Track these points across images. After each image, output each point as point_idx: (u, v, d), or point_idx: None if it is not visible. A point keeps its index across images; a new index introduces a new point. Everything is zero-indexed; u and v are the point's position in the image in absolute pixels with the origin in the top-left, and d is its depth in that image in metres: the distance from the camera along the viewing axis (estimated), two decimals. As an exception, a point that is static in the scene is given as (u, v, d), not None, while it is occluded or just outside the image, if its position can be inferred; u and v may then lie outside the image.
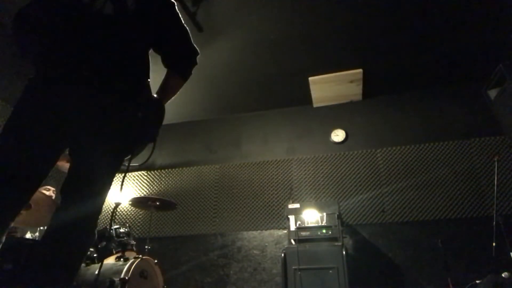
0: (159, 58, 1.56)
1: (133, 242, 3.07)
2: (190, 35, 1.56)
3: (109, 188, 1.28)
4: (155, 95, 1.47)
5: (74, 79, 1.23)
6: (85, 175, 1.21)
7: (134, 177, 4.82)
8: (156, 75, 1.55)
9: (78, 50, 1.25)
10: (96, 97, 1.24)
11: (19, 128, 1.17)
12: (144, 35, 1.42)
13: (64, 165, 1.35)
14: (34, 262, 1.12)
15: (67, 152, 1.28)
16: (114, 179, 1.31)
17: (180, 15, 1.53)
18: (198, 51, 1.59)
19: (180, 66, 1.56)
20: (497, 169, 3.03)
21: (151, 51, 1.50)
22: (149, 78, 1.44)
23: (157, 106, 1.45)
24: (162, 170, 4.76)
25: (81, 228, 1.18)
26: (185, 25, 1.54)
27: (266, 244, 3.98)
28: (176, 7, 1.53)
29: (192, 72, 1.60)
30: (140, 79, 1.40)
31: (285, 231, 3.60)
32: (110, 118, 1.26)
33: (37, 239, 2.82)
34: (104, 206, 1.28)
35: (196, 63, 1.59)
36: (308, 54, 3.82)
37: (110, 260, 2.80)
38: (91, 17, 1.28)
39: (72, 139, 1.24)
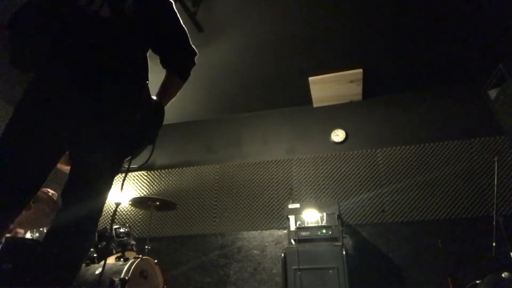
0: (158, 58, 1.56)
1: (133, 242, 3.07)
2: (188, 36, 1.55)
3: (109, 189, 1.28)
4: (154, 97, 1.47)
5: (73, 82, 1.23)
6: (85, 177, 1.22)
7: (134, 177, 4.82)
8: (155, 75, 1.55)
9: (76, 53, 1.25)
10: (95, 99, 1.24)
11: (19, 131, 1.17)
12: (142, 37, 1.42)
13: (64, 167, 1.36)
14: (35, 263, 1.12)
15: (68, 154, 1.28)
16: (114, 181, 1.31)
17: (178, 16, 1.52)
18: (197, 51, 1.58)
19: (179, 67, 1.55)
20: (497, 169, 3.03)
21: (150, 52, 1.49)
22: (147, 80, 1.43)
23: (157, 108, 1.45)
24: (162, 170, 4.76)
25: (82, 229, 1.18)
26: (183, 25, 1.53)
27: (266, 244, 3.98)
28: (174, 7, 1.52)
29: (191, 73, 1.59)
30: (139, 81, 1.39)
31: (285, 231, 3.60)
32: (109, 121, 1.26)
33: (37, 239, 2.82)
34: (104, 206, 1.29)
35: (194, 64, 1.59)
36: (308, 54, 3.82)
37: (110, 260, 2.80)
38: (88, 20, 1.28)
39: (71, 141, 1.25)
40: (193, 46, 1.57)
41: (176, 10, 1.52)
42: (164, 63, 1.54)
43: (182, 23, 1.53)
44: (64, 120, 1.21)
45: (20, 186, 1.13)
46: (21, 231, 2.77)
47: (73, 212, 1.15)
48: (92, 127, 1.24)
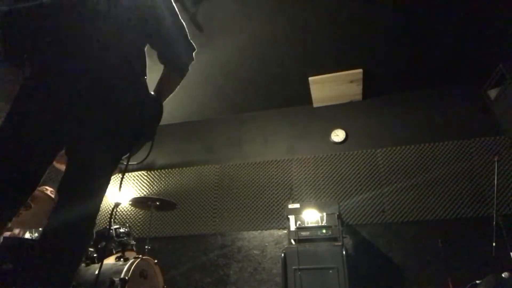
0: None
1: (133, 242, 3.07)
2: (187, 31, 1.53)
3: (106, 187, 1.27)
4: (152, 93, 1.46)
5: (70, 78, 1.22)
6: (82, 174, 1.21)
7: (134, 177, 4.82)
8: (154, 75, 1.55)
9: (73, 48, 1.24)
10: (92, 95, 1.23)
11: (16, 128, 1.16)
12: (140, 31, 1.40)
13: (61, 166, 1.34)
14: (33, 262, 1.12)
15: (64, 152, 1.27)
16: (111, 178, 1.31)
17: (176, 9, 1.50)
18: (195, 46, 1.56)
19: (177, 63, 1.53)
20: (497, 169, 3.03)
21: (148, 48, 1.48)
22: (145, 76, 1.42)
23: (155, 104, 1.43)
24: (162, 170, 4.76)
25: (79, 227, 1.17)
26: (181, 20, 1.52)
27: (266, 244, 3.98)
28: (173, 2, 1.51)
29: (192, 72, 1.57)
30: (137, 76, 1.38)
31: (285, 231, 3.60)
32: (107, 117, 1.25)
33: (36, 239, 2.81)
34: (104, 206, 1.28)
35: (192, 59, 1.57)
36: (308, 54, 3.82)
37: (110, 260, 2.80)
38: (85, 14, 1.26)
39: (68, 138, 1.23)
40: (191, 41, 1.55)
41: (174, 5, 1.50)
42: (161, 58, 1.51)
43: (180, 18, 1.51)
44: (62, 116, 1.20)
45: (17, 184, 1.11)
46: (17, 230, 2.77)
47: (69, 210, 1.14)
48: (90, 124, 1.22)
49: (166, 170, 4.75)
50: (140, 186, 4.76)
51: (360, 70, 4.02)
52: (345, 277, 2.82)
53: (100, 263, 1.74)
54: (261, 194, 4.28)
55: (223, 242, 4.12)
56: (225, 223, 4.22)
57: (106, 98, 1.26)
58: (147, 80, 1.44)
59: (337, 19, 3.36)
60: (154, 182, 4.74)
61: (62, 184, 1.20)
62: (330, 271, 2.88)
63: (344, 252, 2.91)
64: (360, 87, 4.26)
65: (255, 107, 4.80)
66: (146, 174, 4.80)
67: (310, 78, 4.15)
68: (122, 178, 1.45)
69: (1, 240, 1.13)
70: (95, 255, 2.73)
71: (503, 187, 3.55)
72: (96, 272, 2.44)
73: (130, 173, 4.81)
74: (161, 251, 4.10)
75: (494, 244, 2.77)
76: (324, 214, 3.23)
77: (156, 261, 2.86)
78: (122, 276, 2.36)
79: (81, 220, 1.17)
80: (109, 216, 4.37)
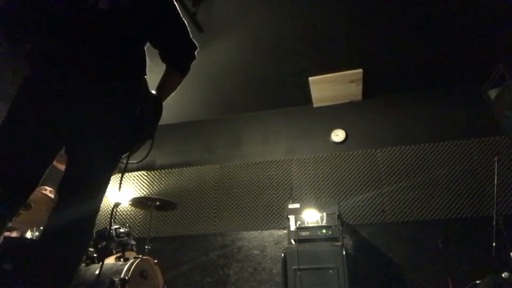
0: (159, 59, 1.55)
1: (133, 242, 3.07)
2: (189, 29, 1.53)
3: (106, 186, 1.27)
4: (153, 92, 1.46)
5: (70, 77, 1.21)
6: (82, 174, 1.20)
7: (134, 177, 4.82)
8: (154, 75, 1.54)
9: (73, 46, 1.23)
10: (92, 94, 1.23)
11: (15, 128, 1.15)
12: (141, 30, 1.40)
13: (61, 166, 1.34)
14: (33, 262, 1.11)
15: (63, 151, 1.27)
16: (111, 178, 1.30)
17: (178, 8, 1.50)
18: (197, 45, 1.56)
19: (178, 61, 1.53)
20: (497, 169, 3.03)
21: (148, 47, 1.48)
22: (145, 74, 1.42)
23: (155, 103, 1.43)
24: (162, 170, 4.76)
25: (79, 227, 1.16)
26: (183, 18, 1.51)
27: (266, 244, 3.98)
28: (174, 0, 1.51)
29: (191, 67, 1.57)
30: (137, 75, 1.38)
31: (285, 231, 3.60)
32: (107, 116, 1.25)
33: (36, 238, 2.81)
34: (104, 206, 1.28)
35: (195, 58, 1.57)
36: (308, 54, 3.82)
37: (110, 260, 2.80)
38: (85, 12, 1.26)
39: (68, 137, 1.23)
40: (193, 39, 1.55)
41: (175, 3, 1.50)
42: (163, 56, 1.52)
43: (181, 16, 1.51)
44: (61, 115, 1.19)
45: (17, 184, 1.11)
46: (18, 230, 2.77)
47: (69, 210, 1.14)
48: (90, 123, 1.22)
49: (166, 170, 4.75)
50: (140, 186, 4.76)
51: (360, 70, 4.02)
52: (345, 277, 2.82)
53: (101, 263, 1.74)
54: (261, 194, 4.28)
55: (223, 242, 4.12)
56: (225, 223, 4.22)
57: (106, 96, 1.26)
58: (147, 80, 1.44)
59: (337, 19, 3.36)
60: (154, 182, 4.74)
61: (62, 184, 1.20)
62: (330, 271, 2.88)
63: (344, 252, 2.91)
64: (360, 87, 4.26)
65: (255, 107, 4.80)
66: (146, 174, 4.80)
67: (310, 78, 4.15)
68: (121, 178, 1.44)
69: (1, 240, 1.12)
70: (95, 255, 2.73)
71: (503, 187, 3.55)
72: (97, 272, 2.45)
73: (130, 173, 4.81)
74: (161, 251, 4.10)
75: (494, 244, 2.77)
76: (324, 214, 3.23)
77: (156, 261, 2.86)
78: (122, 276, 2.36)
79: (81, 220, 1.16)
80: (109, 216, 4.38)
